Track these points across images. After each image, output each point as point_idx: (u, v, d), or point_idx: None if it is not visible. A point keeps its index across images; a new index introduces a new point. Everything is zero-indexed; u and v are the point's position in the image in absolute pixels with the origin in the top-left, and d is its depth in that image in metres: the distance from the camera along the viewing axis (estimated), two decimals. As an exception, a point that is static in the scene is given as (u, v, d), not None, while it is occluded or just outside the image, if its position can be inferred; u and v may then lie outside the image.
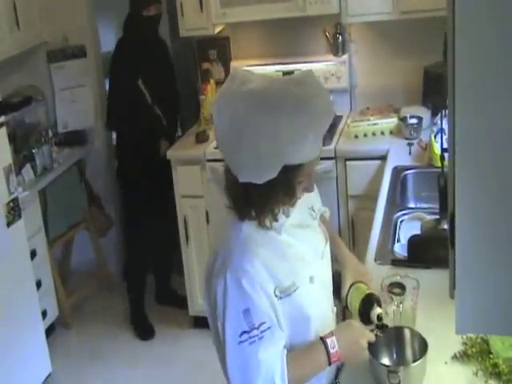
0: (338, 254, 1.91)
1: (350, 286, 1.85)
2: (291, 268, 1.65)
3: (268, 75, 1.72)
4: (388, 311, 1.88)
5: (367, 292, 1.81)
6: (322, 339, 1.66)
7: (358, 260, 2.00)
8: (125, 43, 3.70)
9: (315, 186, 1.87)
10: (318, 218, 1.86)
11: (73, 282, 4.31)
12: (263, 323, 1.58)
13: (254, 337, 1.57)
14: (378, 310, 1.75)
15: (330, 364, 1.66)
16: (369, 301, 1.78)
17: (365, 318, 1.77)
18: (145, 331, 3.91)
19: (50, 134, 3.94)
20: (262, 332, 1.57)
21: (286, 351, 1.63)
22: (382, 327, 1.76)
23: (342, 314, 1.95)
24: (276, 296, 1.62)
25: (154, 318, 3.98)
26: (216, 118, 1.58)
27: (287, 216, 1.69)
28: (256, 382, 1.58)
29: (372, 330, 1.74)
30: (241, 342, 1.57)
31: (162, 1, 3.74)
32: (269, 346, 1.58)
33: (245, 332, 1.57)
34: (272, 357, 1.59)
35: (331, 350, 1.64)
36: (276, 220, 1.64)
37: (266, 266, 1.60)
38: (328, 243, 1.84)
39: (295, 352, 1.66)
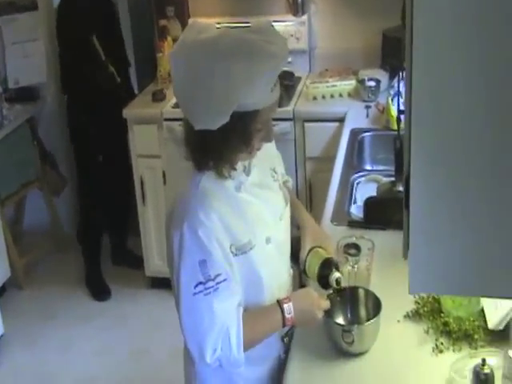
0: (299, 219, 1.91)
1: (309, 251, 1.85)
2: (248, 226, 1.65)
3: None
4: (343, 271, 1.90)
5: (326, 257, 1.81)
6: (279, 303, 1.67)
7: (318, 225, 2.00)
8: (72, 0, 3.58)
9: (278, 151, 1.87)
10: (280, 180, 1.85)
11: (26, 242, 4.22)
12: (219, 275, 1.58)
13: (209, 288, 1.57)
14: (336, 275, 1.76)
15: (283, 327, 1.69)
16: (327, 265, 1.79)
17: (323, 282, 1.79)
18: (101, 292, 3.88)
19: (0, 89, 3.80)
20: (217, 284, 1.57)
21: (241, 309, 1.63)
22: (339, 291, 1.78)
23: (299, 278, 1.96)
24: (232, 253, 1.62)
25: (109, 278, 3.95)
26: (173, 67, 1.58)
27: (248, 174, 1.68)
28: (210, 334, 1.58)
29: (329, 295, 1.76)
30: (195, 294, 1.57)
31: None
32: (224, 298, 1.58)
33: (200, 283, 1.57)
34: (227, 310, 1.59)
35: (287, 316, 1.65)
36: (234, 169, 1.63)
37: (223, 220, 1.59)
38: (288, 206, 1.84)
39: (251, 312, 1.67)
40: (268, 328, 1.70)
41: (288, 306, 1.66)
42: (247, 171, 1.68)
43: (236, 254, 1.63)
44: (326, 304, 1.72)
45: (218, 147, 1.57)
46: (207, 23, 1.62)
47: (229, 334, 1.59)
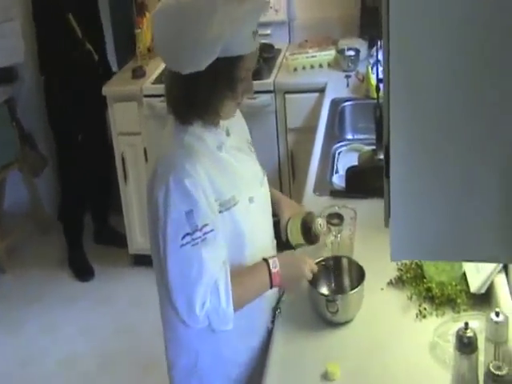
0: (272, 197, 1.90)
1: (288, 220, 1.86)
2: (231, 183, 1.66)
3: None
4: (327, 242, 1.91)
5: (305, 213, 1.84)
6: (265, 259, 1.68)
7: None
8: None
9: (246, 126, 1.88)
10: (255, 154, 1.86)
11: (7, 224, 4.15)
12: (206, 225, 1.57)
13: (196, 239, 1.56)
14: (318, 220, 1.78)
15: (271, 286, 1.68)
16: (308, 218, 1.81)
17: (308, 234, 1.79)
18: (84, 272, 3.85)
19: (-23, 71, 3.75)
20: (204, 234, 1.57)
21: (228, 265, 1.62)
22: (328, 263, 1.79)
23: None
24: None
25: (92, 257, 3.92)
26: (155, 24, 1.61)
27: (228, 134, 1.70)
28: (199, 284, 1.56)
29: (317, 263, 1.76)
30: (183, 245, 1.56)
31: None
32: (212, 249, 1.58)
33: (187, 234, 1.56)
34: (215, 261, 1.58)
35: (273, 270, 1.66)
36: (220, 117, 1.64)
37: (208, 174, 1.59)
38: (265, 178, 1.84)
39: (237, 270, 1.66)
40: (256, 284, 1.69)
41: (273, 261, 1.67)
42: (227, 131, 1.70)
43: (220, 211, 1.62)
44: (313, 264, 1.72)
45: (203, 95, 1.58)
46: None
47: (217, 285, 1.58)
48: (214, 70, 1.54)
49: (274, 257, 1.70)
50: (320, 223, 1.78)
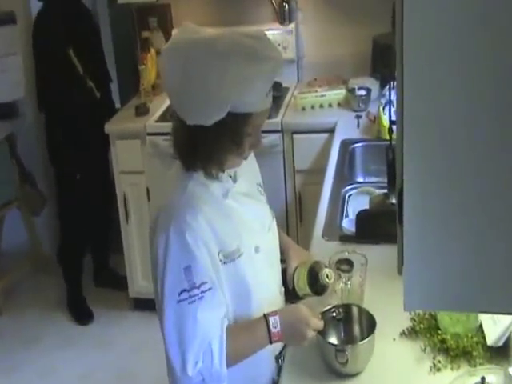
0: (281, 242, 1.86)
1: (295, 269, 1.82)
2: (236, 232, 1.62)
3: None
4: (336, 288, 1.86)
5: (312, 262, 1.79)
6: (265, 317, 1.62)
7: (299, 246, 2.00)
8: (48, 13, 3.49)
9: (258, 168, 1.87)
10: (265, 196, 1.84)
11: (4, 264, 4.07)
12: (204, 283, 1.55)
13: (193, 296, 1.55)
14: (326, 270, 1.73)
15: (270, 342, 1.62)
16: (316, 267, 1.76)
17: (315, 285, 1.74)
18: (82, 315, 3.76)
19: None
20: (202, 292, 1.55)
21: (227, 321, 1.59)
22: (338, 315, 1.74)
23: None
24: (220, 260, 1.58)
25: (92, 300, 3.84)
26: (166, 63, 1.59)
27: (234, 181, 1.67)
28: (192, 345, 1.55)
29: (323, 313, 1.70)
30: (180, 301, 1.55)
31: None
32: (208, 308, 1.55)
33: (185, 290, 1.55)
34: (211, 320, 1.56)
35: (272, 330, 1.60)
36: (222, 171, 1.62)
37: (211, 224, 1.56)
38: (275, 221, 1.82)
39: (236, 325, 1.63)
40: (253, 342, 1.64)
41: (274, 320, 1.61)
42: (234, 179, 1.67)
43: (224, 262, 1.60)
44: (318, 324, 1.65)
45: (207, 146, 1.56)
46: (198, 27, 1.64)
47: (211, 345, 1.56)
48: (220, 124, 1.52)
49: (275, 314, 1.62)
50: (327, 274, 1.73)
